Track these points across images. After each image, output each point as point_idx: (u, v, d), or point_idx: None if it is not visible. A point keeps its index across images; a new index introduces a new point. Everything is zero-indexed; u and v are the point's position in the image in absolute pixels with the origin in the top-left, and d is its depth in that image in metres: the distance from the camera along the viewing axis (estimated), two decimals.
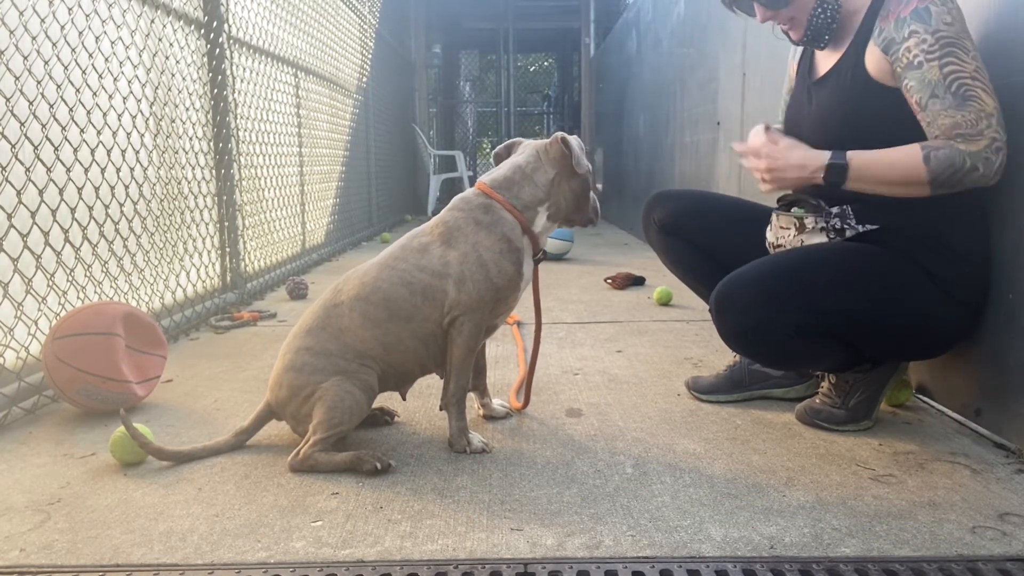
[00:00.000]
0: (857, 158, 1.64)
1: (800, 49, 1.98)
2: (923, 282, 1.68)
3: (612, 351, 2.63)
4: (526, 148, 1.83)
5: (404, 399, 1.88)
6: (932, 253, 1.68)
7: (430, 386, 2.21)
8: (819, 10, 1.73)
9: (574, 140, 1.76)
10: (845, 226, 1.74)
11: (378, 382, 1.71)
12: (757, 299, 1.70)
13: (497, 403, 1.97)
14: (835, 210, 1.75)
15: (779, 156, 1.71)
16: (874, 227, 1.71)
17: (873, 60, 1.69)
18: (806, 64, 1.92)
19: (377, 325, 1.68)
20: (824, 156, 1.66)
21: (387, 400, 2.09)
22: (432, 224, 1.77)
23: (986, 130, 1.56)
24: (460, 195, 1.80)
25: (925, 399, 2.01)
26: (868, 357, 1.80)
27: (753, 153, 1.75)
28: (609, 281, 4.01)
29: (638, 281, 4.03)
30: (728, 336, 1.77)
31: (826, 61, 1.84)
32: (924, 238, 1.68)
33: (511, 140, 1.89)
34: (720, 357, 2.52)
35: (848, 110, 1.73)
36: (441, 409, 1.77)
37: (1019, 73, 1.62)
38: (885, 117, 1.68)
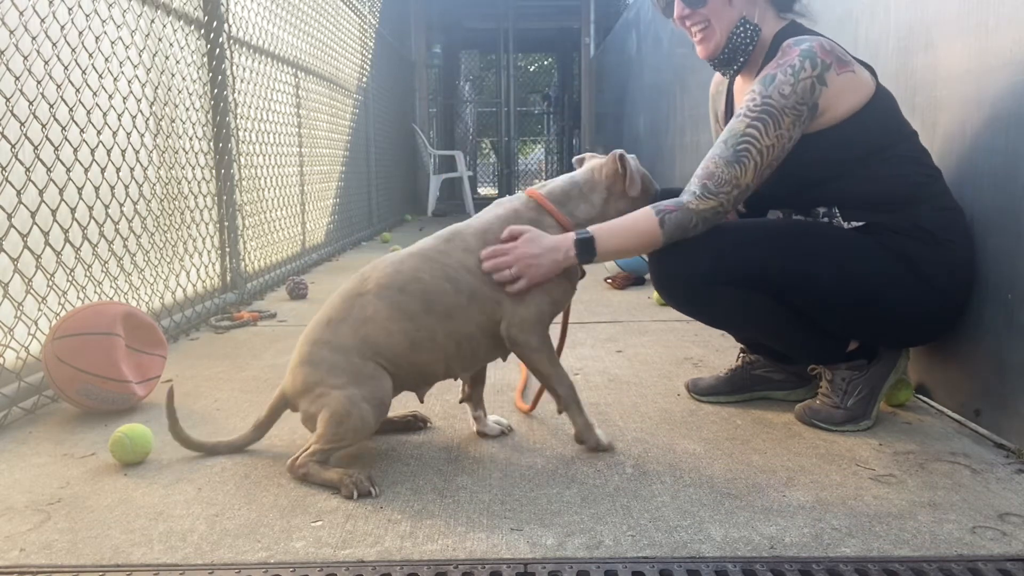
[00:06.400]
0: (599, 229, 1.67)
1: (721, 104, 2.03)
2: (900, 266, 1.71)
3: (612, 351, 2.63)
4: (585, 164, 1.81)
5: (421, 401, 1.77)
6: (912, 239, 1.71)
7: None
8: (740, 29, 1.77)
9: (632, 161, 1.74)
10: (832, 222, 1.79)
11: (393, 384, 1.64)
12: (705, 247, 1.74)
13: (492, 420, 1.86)
14: (822, 210, 1.80)
15: (525, 248, 1.62)
16: (860, 224, 1.75)
17: None
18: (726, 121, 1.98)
19: (410, 318, 1.60)
20: (571, 235, 1.66)
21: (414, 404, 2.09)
22: (476, 227, 1.69)
23: (724, 195, 1.67)
24: (507, 201, 1.73)
25: (925, 399, 2.01)
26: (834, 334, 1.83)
27: (500, 255, 1.62)
28: (609, 281, 4.01)
29: (638, 281, 4.02)
30: (663, 279, 1.80)
31: None
32: (912, 229, 1.72)
33: (582, 155, 1.86)
34: (721, 357, 2.52)
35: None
36: (560, 412, 1.74)
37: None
38: (812, 157, 1.72)
